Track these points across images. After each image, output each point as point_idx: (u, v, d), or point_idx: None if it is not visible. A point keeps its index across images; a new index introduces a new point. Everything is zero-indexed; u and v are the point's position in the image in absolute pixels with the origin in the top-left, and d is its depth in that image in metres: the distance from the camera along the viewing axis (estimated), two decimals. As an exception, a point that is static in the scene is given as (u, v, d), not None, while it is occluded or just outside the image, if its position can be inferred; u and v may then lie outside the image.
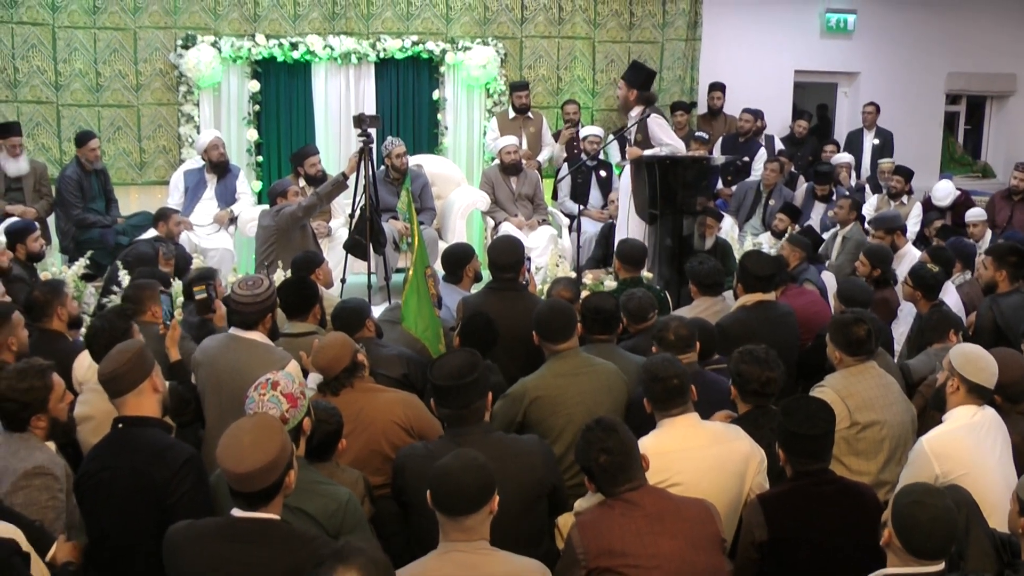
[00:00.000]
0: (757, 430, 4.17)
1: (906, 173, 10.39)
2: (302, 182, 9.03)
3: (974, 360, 4.24)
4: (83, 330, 5.66)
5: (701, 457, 3.89)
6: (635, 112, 8.23)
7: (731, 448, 3.98)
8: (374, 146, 7.96)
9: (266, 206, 8.45)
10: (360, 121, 7.62)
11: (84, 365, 4.97)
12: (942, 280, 6.43)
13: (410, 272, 5.50)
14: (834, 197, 10.26)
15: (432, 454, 3.71)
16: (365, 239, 7.53)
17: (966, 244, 8.00)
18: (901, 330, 6.69)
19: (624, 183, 8.34)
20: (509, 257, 5.78)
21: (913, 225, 10.12)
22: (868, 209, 10.41)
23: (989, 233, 9.35)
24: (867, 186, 11.47)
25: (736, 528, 3.92)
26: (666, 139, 8.07)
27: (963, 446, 4.07)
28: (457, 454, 3.21)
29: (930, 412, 4.65)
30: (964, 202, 10.53)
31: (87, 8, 9.87)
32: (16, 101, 9.79)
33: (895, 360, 5.94)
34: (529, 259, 6.60)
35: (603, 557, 3.34)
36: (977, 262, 7.43)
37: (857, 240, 8.73)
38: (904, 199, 10.32)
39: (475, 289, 6.41)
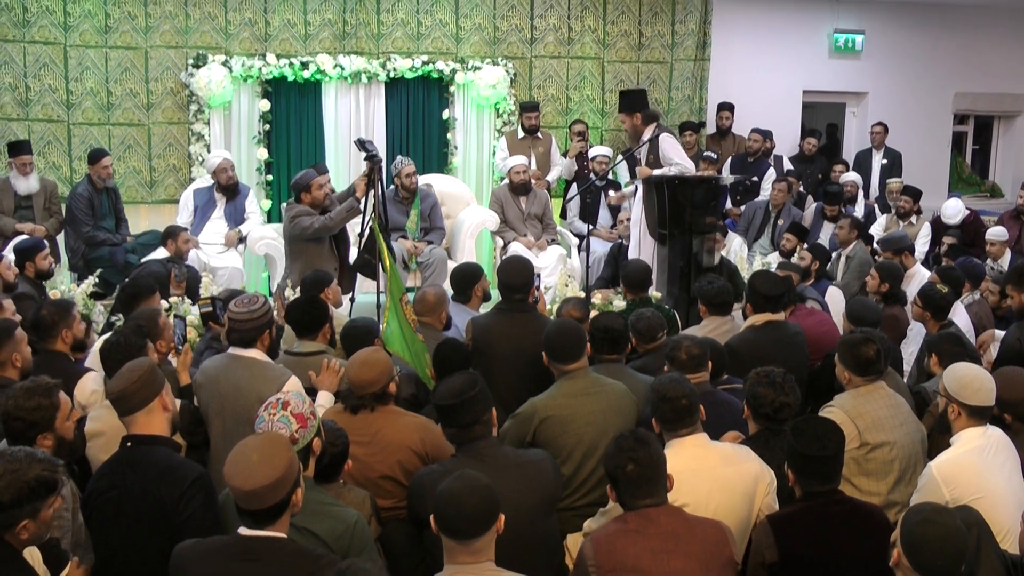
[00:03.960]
0: (767, 451, 4.16)
1: (914, 193, 10.40)
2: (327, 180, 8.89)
3: (967, 383, 4.22)
4: (90, 351, 5.64)
5: (710, 478, 3.88)
6: (647, 134, 8.26)
7: (740, 469, 3.97)
8: (384, 164, 7.96)
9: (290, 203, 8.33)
10: (362, 145, 7.64)
11: (87, 390, 4.97)
12: (951, 300, 6.41)
13: (387, 301, 5.52)
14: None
15: (447, 472, 3.70)
16: (374, 258, 7.53)
17: (975, 264, 7.99)
18: (911, 350, 6.68)
19: (636, 202, 8.37)
20: (519, 278, 5.76)
21: (922, 245, 10.13)
22: (877, 229, 10.42)
23: (1009, 253, 9.32)
24: (876, 206, 11.47)
25: (745, 549, 3.90)
26: (676, 158, 8.11)
27: (972, 470, 4.04)
28: (460, 475, 3.20)
29: (939, 435, 4.63)
30: (973, 221, 10.53)
31: (99, 27, 9.94)
32: (27, 119, 9.85)
33: (904, 380, 5.92)
34: (539, 276, 6.60)
35: (615, 573, 3.33)
36: (984, 285, 7.42)
37: (860, 259, 8.73)
38: (913, 219, 10.33)
39: (484, 309, 6.40)
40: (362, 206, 7.73)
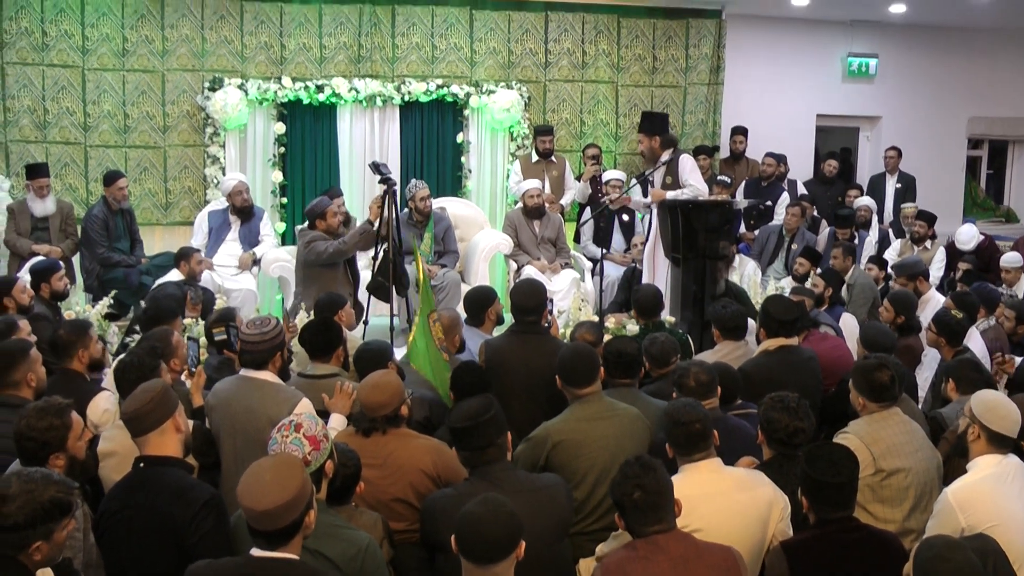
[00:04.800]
0: (781, 476, 4.13)
1: (929, 218, 10.38)
2: (341, 204, 8.92)
3: (994, 408, 4.18)
4: (106, 371, 5.67)
5: (724, 503, 3.86)
6: (664, 157, 8.28)
7: (754, 494, 3.94)
8: (397, 188, 7.99)
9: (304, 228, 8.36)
10: (377, 168, 7.67)
11: (99, 409, 4.99)
12: (966, 326, 6.38)
13: (416, 318, 5.53)
14: (856, 241, 10.24)
15: (461, 495, 3.71)
16: (388, 281, 7.54)
17: (990, 289, 7.95)
18: (925, 375, 6.63)
19: (651, 226, 8.39)
20: (531, 300, 5.77)
21: (936, 270, 10.08)
22: (891, 254, 10.38)
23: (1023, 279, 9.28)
24: (890, 231, 11.44)
25: (759, 575, 3.88)
26: (692, 180, 8.15)
27: (989, 497, 4.00)
28: (484, 500, 3.18)
29: (956, 459, 4.60)
30: (988, 246, 10.48)
31: (116, 51, 10.02)
32: (45, 142, 9.94)
33: (919, 406, 5.88)
34: (551, 301, 6.58)
35: (626, 601, 3.30)
36: (999, 310, 7.38)
37: (861, 284, 8.68)
38: (927, 244, 10.29)
39: (497, 332, 6.39)
40: (375, 229, 7.75)
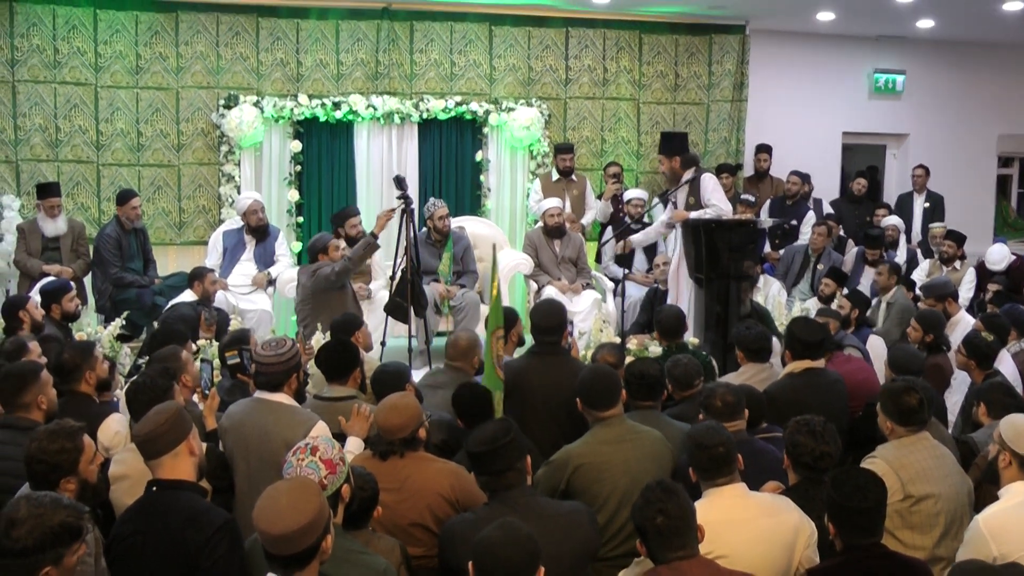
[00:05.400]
0: (807, 501, 4.07)
1: (958, 238, 10.26)
2: (342, 243, 9.00)
3: None
4: (117, 392, 5.63)
5: (749, 529, 3.80)
6: (686, 176, 8.24)
7: (780, 520, 3.88)
8: (415, 207, 7.97)
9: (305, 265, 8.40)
10: (399, 183, 7.65)
11: (111, 431, 4.98)
12: (996, 349, 6.36)
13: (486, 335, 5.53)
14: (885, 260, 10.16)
15: (480, 520, 3.66)
16: (406, 302, 7.50)
17: (1021, 311, 7.84)
18: (955, 399, 6.58)
19: (675, 247, 8.36)
20: (551, 320, 5.73)
21: (966, 291, 9.99)
22: (920, 274, 10.31)
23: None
24: (918, 251, 11.34)
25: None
26: (714, 199, 8.13)
27: (1021, 525, 3.94)
28: (501, 524, 3.13)
29: (986, 485, 4.54)
30: (1019, 267, 10.36)
31: (130, 68, 10.02)
32: (57, 160, 9.93)
33: (949, 430, 5.79)
34: (572, 323, 6.51)
35: (648, 627, 3.25)
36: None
37: (901, 305, 8.64)
38: (956, 264, 10.19)
39: (519, 353, 6.32)
40: (392, 246, 7.72)
